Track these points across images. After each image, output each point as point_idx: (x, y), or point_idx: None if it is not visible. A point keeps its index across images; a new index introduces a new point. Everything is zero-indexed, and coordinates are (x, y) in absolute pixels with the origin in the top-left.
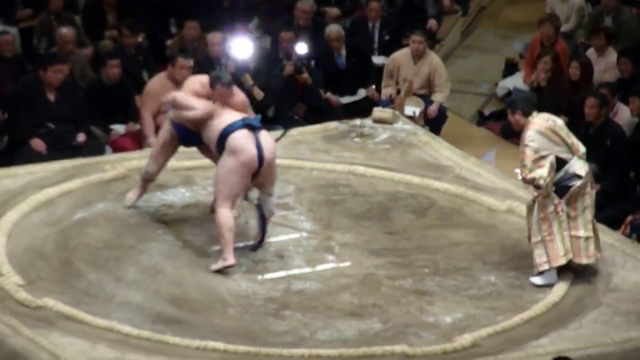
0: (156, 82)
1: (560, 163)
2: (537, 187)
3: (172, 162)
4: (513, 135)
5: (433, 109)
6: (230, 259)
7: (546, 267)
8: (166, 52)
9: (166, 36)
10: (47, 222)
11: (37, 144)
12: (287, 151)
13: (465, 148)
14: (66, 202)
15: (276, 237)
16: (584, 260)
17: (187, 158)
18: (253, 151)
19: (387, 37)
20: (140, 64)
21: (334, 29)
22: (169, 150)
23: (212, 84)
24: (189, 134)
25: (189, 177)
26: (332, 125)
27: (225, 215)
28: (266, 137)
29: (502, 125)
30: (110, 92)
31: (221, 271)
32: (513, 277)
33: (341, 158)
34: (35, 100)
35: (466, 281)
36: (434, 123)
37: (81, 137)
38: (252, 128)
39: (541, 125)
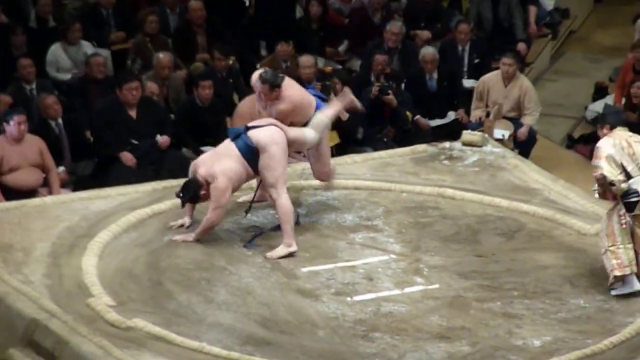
0: (247, 103)
1: (626, 177)
2: (611, 184)
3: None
4: None
5: (523, 131)
6: (294, 245)
7: (616, 273)
8: None
9: (257, 59)
10: (137, 243)
11: (127, 157)
12: (377, 173)
13: (554, 171)
14: (157, 223)
15: (365, 259)
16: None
17: None
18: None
19: (476, 60)
20: (231, 86)
21: (429, 51)
22: None
23: (261, 80)
24: None
25: None
26: (421, 147)
27: (288, 200)
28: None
29: (591, 148)
30: (202, 114)
31: (286, 256)
32: (602, 300)
33: (430, 180)
34: (117, 119)
35: (555, 304)
36: (523, 146)
37: (164, 140)
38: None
39: (618, 136)
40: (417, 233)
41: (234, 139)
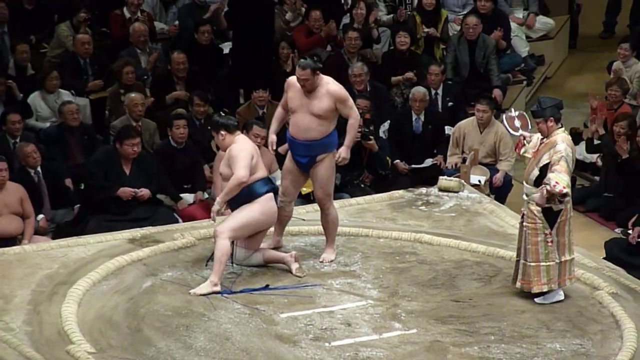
0: None
1: None
2: (562, 201)
3: None
4: (578, 203)
5: (498, 177)
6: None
7: (534, 290)
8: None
9: (236, 107)
10: (117, 290)
11: (125, 191)
12: (354, 219)
13: None
14: (136, 270)
15: (343, 305)
16: (567, 283)
17: None
18: None
19: (450, 104)
20: (210, 134)
21: (420, 90)
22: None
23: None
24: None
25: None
26: (398, 193)
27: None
28: None
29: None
30: (178, 156)
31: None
32: (578, 344)
33: (407, 226)
34: (111, 171)
35: (532, 349)
36: (499, 192)
37: (144, 192)
38: None
39: (569, 142)
40: (395, 278)
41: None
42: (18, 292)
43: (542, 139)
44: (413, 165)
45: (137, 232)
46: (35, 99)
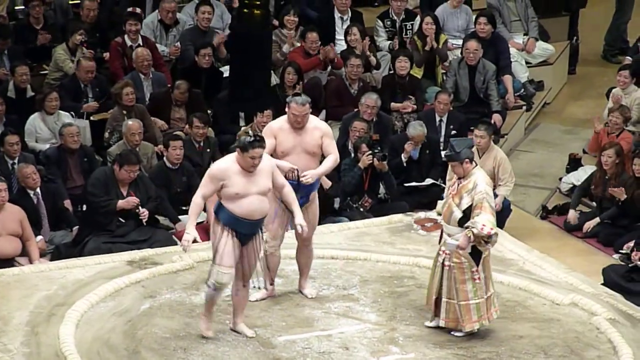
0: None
1: None
2: (489, 242)
3: None
4: (575, 229)
5: (497, 202)
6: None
7: (461, 330)
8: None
9: (236, 130)
10: (115, 312)
11: (128, 201)
12: (353, 243)
13: (528, 241)
14: (134, 292)
15: (341, 328)
16: (494, 316)
17: None
18: None
19: (453, 132)
20: (209, 157)
21: (419, 130)
22: None
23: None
24: None
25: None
26: (397, 217)
27: None
28: None
29: (565, 219)
30: (172, 176)
31: None
32: None
33: (406, 250)
34: (108, 191)
35: None
36: (499, 216)
37: (144, 212)
38: None
39: (488, 180)
40: (393, 302)
41: None
42: (16, 313)
43: (459, 179)
44: (413, 183)
45: (135, 254)
46: (35, 120)
